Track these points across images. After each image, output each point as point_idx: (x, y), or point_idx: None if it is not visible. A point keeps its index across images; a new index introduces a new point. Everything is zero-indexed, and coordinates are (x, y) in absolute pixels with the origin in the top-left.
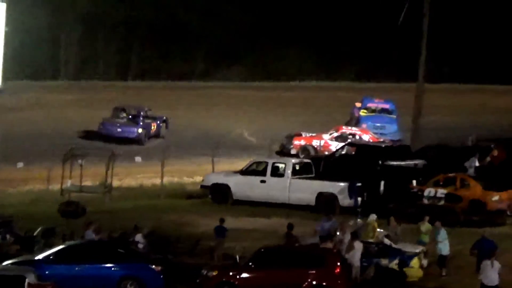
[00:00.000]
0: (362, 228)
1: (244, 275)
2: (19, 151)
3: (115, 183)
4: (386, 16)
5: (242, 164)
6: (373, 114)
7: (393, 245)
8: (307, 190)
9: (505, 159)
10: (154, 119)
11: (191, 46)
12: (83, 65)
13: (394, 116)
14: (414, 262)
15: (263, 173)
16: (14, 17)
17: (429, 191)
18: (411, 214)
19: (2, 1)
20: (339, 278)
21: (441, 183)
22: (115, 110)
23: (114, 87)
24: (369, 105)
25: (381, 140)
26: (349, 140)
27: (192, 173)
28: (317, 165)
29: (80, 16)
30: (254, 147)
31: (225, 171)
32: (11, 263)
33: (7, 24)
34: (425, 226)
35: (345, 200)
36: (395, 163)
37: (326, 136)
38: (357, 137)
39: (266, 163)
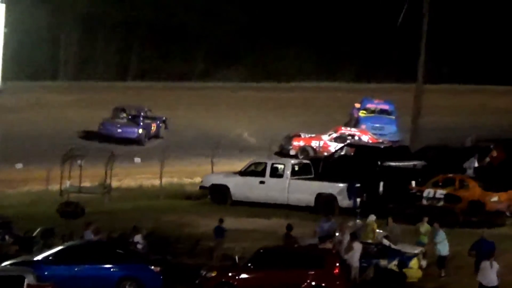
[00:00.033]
0: (361, 229)
1: (243, 275)
2: (19, 151)
3: (115, 183)
4: (385, 16)
5: (241, 164)
6: (372, 115)
7: (392, 246)
8: (306, 191)
9: (504, 160)
10: (154, 119)
11: (191, 47)
12: (82, 65)
13: (393, 117)
14: (413, 263)
15: (262, 173)
16: (14, 18)
17: (428, 192)
18: (410, 214)
19: (2, 2)
20: (338, 279)
21: (440, 183)
22: (115, 110)
23: (113, 87)
24: (368, 106)
25: (380, 141)
26: (348, 141)
27: (192, 174)
28: (316, 166)
29: (79, 16)
30: (254, 148)
31: (224, 171)
32: (10, 264)
33: (6, 24)
34: (424, 227)
35: (344, 201)
36: (394, 164)
37: (325, 137)
38: (356, 138)
39: (265, 164)
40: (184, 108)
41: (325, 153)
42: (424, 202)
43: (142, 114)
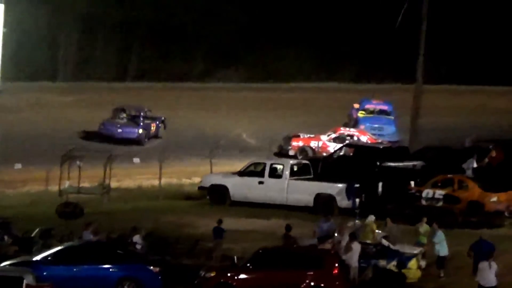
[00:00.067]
0: (360, 229)
1: (242, 276)
2: (18, 152)
3: (114, 184)
4: (385, 17)
5: (240, 165)
6: (371, 115)
7: (391, 246)
8: (305, 191)
9: (503, 160)
10: (154, 119)
11: (190, 47)
12: (82, 66)
13: (392, 117)
14: (412, 263)
15: (261, 174)
16: (13, 18)
17: (427, 192)
18: (409, 215)
19: (1, 2)
20: (337, 279)
21: (439, 184)
22: (115, 110)
23: (113, 87)
24: (367, 106)
25: (379, 141)
26: (347, 141)
27: (191, 174)
28: (315, 166)
29: (79, 16)
30: (253, 148)
31: (223, 172)
32: (9, 264)
33: (6, 24)
34: (423, 227)
35: (343, 201)
36: (393, 164)
37: (324, 137)
38: (355, 138)
39: (264, 164)
40: (184, 109)
41: (324, 154)
42: (423, 202)
43: (142, 114)
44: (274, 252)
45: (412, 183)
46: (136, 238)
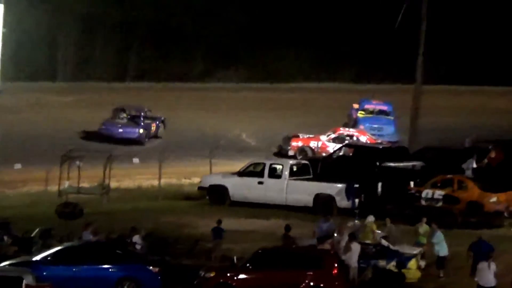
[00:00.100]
0: (359, 229)
1: (242, 276)
2: (18, 152)
3: (113, 184)
4: (384, 17)
5: (240, 165)
6: (371, 115)
7: (391, 247)
8: (304, 192)
9: (503, 161)
10: (153, 119)
11: (190, 47)
12: (82, 66)
13: (392, 118)
14: (412, 263)
15: (260, 174)
16: (13, 18)
17: (426, 193)
18: (409, 215)
19: (0, 2)
20: (336, 279)
21: (438, 184)
22: (115, 110)
23: (113, 88)
24: (367, 106)
25: (379, 141)
26: (346, 142)
27: (191, 174)
28: (315, 167)
29: (78, 16)
30: (253, 149)
31: (223, 172)
32: (9, 264)
33: (5, 24)
34: (423, 227)
35: (342, 202)
36: (392, 164)
37: (323, 138)
38: (355, 138)
39: (264, 165)
40: (184, 109)
41: (324, 154)
42: (423, 202)
43: (142, 114)
44: (274, 252)
45: (412, 183)
46: (136, 238)
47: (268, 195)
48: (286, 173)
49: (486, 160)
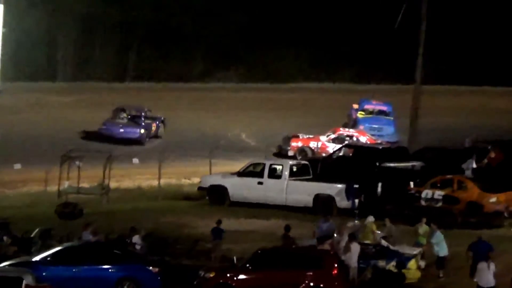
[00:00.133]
0: (359, 229)
1: (242, 276)
2: (18, 152)
3: (113, 184)
4: (384, 18)
5: (240, 165)
6: (371, 116)
7: (391, 247)
8: (304, 192)
9: (503, 161)
10: (154, 119)
11: (190, 47)
12: (81, 66)
13: (392, 118)
14: (412, 263)
15: (260, 174)
16: (12, 18)
17: (426, 193)
18: (409, 215)
19: (0, 2)
20: (336, 279)
21: (438, 184)
22: (115, 111)
23: (113, 88)
24: (367, 107)
25: (379, 141)
26: (346, 142)
27: (190, 175)
28: (315, 167)
29: (78, 16)
30: (253, 149)
31: (223, 172)
32: (9, 265)
33: (5, 25)
34: (423, 228)
35: (342, 202)
36: (392, 164)
37: (323, 138)
38: (355, 138)
39: (264, 165)
40: (184, 109)
41: (323, 154)
42: (423, 203)
43: (143, 114)
44: (274, 252)
45: (412, 183)
46: (136, 238)
47: (268, 195)
48: (286, 173)
49: (486, 160)
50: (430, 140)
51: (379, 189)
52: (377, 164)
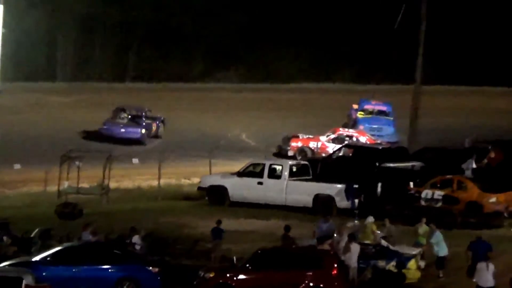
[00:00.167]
0: (359, 230)
1: (241, 276)
2: (18, 152)
3: (113, 185)
4: (384, 18)
5: (239, 165)
6: (370, 116)
7: (391, 247)
8: (304, 192)
9: (502, 161)
10: (154, 119)
11: (190, 47)
12: (81, 66)
13: (391, 118)
14: (411, 263)
15: (260, 174)
16: (12, 18)
17: (426, 193)
18: (408, 216)
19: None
20: (336, 279)
21: (438, 185)
22: (115, 111)
23: (113, 88)
24: (366, 107)
25: (378, 142)
26: (346, 142)
27: (190, 175)
28: (314, 167)
29: (78, 17)
30: (252, 149)
31: (223, 172)
32: (8, 265)
33: (5, 25)
34: (423, 228)
35: (342, 202)
36: (392, 165)
37: (323, 138)
38: (354, 139)
39: (263, 165)
40: (184, 109)
41: (323, 154)
42: (422, 203)
43: (143, 114)
44: (273, 252)
45: (411, 183)
46: (135, 238)
47: (268, 195)
48: (286, 173)
49: (485, 160)
50: (430, 140)
51: (378, 189)
52: (377, 164)
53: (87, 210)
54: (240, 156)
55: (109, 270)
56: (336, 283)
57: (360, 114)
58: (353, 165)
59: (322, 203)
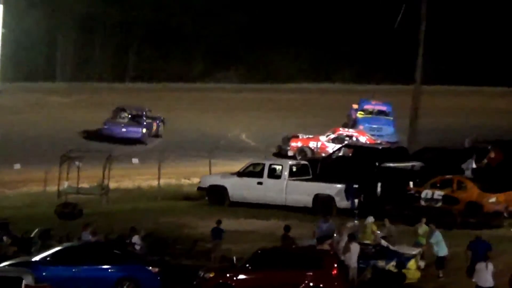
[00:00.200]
0: (359, 230)
1: (241, 276)
2: (18, 152)
3: (113, 185)
4: (384, 18)
5: (239, 165)
6: (370, 116)
7: (390, 247)
8: (304, 192)
9: (502, 161)
10: (154, 119)
11: (190, 47)
12: (81, 66)
13: (391, 118)
14: (411, 263)
15: (260, 174)
16: (12, 18)
17: (426, 193)
18: (408, 216)
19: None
20: (336, 279)
21: (438, 185)
22: (115, 110)
23: (112, 88)
24: (366, 107)
25: (378, 142)
26: (346, 142)
27: (190, 175)
28: (314, 167)
29: (78, 17)
30: (252, 149)
31: (222, 172)
32: (8, 265)
33: (4, 25)
34: (422, 228)
35: (342, 202)
36: (392, 165)
37: (323, 138)
38: (354, 139)
39: (263, 165)
40: (184, 109)
41: (323, 154)
42: (422, 203)
43: (144, 113)
44: (273, 252)
45: (411, 183)
46: (135, 238)
47: (268, 195)
48: (286, 173)
49: (485, 160)
50: (430, 140)
51: (378, 189)
52: (377, 164)
53: (87, 210)
54: (240, 156)
55: (109, 270)
56: (336, 283)
57: (360, 114)
58: (353, 165)
59: (322, 203)
